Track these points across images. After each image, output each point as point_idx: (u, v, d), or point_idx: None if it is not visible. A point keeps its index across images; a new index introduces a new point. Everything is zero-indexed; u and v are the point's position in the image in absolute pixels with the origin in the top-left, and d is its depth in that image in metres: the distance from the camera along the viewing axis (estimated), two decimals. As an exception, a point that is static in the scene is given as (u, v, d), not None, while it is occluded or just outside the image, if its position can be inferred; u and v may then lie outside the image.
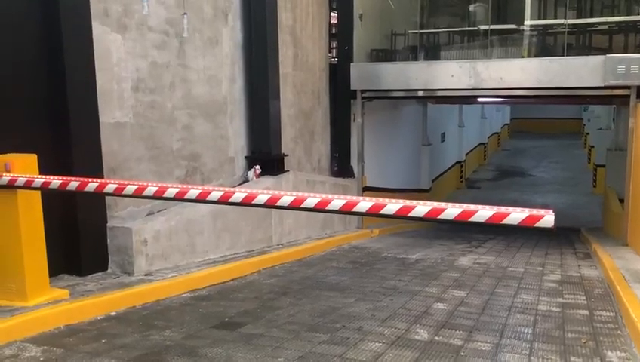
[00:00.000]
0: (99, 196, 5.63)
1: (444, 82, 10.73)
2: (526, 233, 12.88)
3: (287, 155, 9.04)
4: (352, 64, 11.27)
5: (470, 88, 10.53)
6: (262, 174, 8.33)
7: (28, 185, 4.30)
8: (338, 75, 11.25)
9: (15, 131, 5.01)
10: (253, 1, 8.28)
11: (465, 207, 3.11)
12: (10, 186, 4.35)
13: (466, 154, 23.40)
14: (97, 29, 5.73)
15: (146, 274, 5.80)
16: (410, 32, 13.24)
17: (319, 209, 3.47)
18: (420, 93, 11.60)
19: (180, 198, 3.92)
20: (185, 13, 6.79)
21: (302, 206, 3.51)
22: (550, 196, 20.05)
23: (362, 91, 11.34)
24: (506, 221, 3.02)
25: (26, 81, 5.22)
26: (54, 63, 5.31)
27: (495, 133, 30.63)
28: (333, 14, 11.43)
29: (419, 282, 6.61)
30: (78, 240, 5.52)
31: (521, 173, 25.25)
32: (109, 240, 5.80)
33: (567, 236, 12.20)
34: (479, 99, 16.75)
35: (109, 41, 5.96)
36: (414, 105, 16.22)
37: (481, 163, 27.00)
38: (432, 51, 12.92)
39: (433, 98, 14.15)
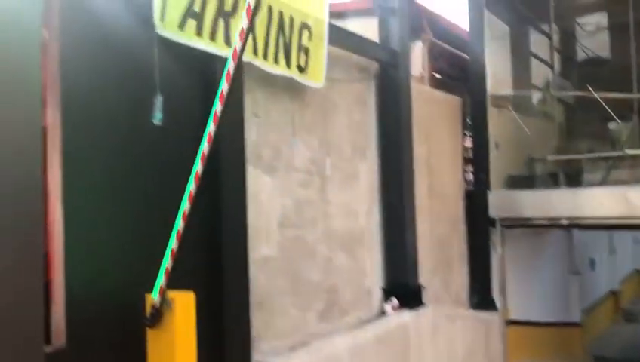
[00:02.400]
0: (246, 331, 5.83)
1: (590, 210, 10.14)
2: None
3: (424, 287, 8.84)
4: (489, 191, 11.10)
5: (621, 217, 9.83)
6: (399, 307, 8.18)
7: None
8: (474, 203, 11.10)
9: (179, 269, 5.40)
10: (389, 138, 8.64)
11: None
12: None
13: (620, 283, 21.25)
14: (250, 173, 6.27)
15: (285, 412, 5.76)
16: (548, 157, 12.87)
17: None
18: (564, 222, 10.98)
19: None
20: (328, 155, 7.25)
21: None
22: None
23: (501, 219, 11.03)
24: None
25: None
26: (213, 203, 5.82)
27: (652, 258, 27.70)
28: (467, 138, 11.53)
29: None
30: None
31: (688, 302, 22.23)
32: (253, 375, 5.90)
33: None
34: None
35: (260, 183, 6.47)
36: (559, 231, 15.34)
37: (638, 292, 24.28)
38: (573, 176, 12.37)
39: (579, 227, 13.29)
